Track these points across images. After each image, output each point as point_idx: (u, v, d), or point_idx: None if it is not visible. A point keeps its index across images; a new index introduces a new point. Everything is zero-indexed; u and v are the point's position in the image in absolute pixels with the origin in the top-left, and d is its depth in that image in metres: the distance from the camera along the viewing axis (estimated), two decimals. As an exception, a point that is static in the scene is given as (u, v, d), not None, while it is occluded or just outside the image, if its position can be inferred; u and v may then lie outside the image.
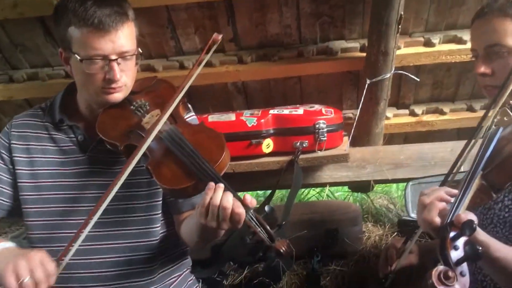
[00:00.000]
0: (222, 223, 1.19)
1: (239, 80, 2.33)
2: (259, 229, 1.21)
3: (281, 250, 1.20)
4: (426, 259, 1.63)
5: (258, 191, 3.16)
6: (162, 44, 2.23)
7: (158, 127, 1.35)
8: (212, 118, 2.11)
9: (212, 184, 1.22)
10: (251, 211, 1.22)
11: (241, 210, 1.18)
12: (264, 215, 1.24)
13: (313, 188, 2.93)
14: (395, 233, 2.19)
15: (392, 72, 2.07)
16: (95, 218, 1.28)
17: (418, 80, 2.17)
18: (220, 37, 1.47)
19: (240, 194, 1.24)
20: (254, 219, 1.22)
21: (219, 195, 1.19)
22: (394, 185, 3.10)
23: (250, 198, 1.22)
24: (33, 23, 2.15)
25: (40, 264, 1.17)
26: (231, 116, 2.10)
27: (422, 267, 1.63)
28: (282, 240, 1.22)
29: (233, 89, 2.43)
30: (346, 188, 2.98)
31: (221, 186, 1.21)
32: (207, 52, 1.46)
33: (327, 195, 2.87)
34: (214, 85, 2.38)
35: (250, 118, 2.07)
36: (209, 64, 2.28)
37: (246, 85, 2.41)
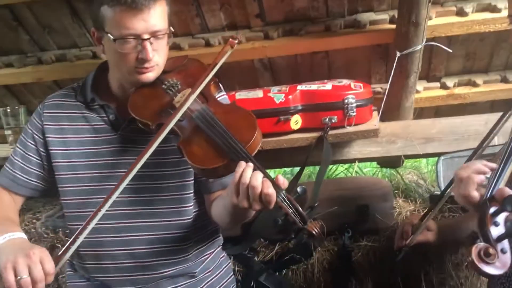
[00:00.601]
0: (253, 203, 1.19)
1: (266, 56, 2.30)
2: (291, 211, 1.21)
3: (314, 232, 1.19)
4: (446, 237, 1.63)
5: (285, 169, 3.15)
6: (188, 21, 2.21)
7: (188, 103, 1.35)
8: (240, 95, 2.09)
9: (242, 162, 1.21)
10: (283, 192, 1.21)
11: (271, 190, 1.17)
12: (296, 196, 1.24)
13: (341, 165, 2.91)
14: (427, 209, 2.15)
15: (424, 43, 2.01)
16: (112, 198, 1.30)
17: (451, 51, 2.10)
18: (236, 42, 1.45)
19: (269, 171, 1.23)
20: (286, 200, 1.21)
21: (248, 174, 1.18)
22: (424, 160, 3.06)
23: (282, 179, 1.22)
24: (60, 4, 2.15)
25: (40, 262, 1.19)
26: (259, 93, 2.08)
27: (440, 245, 1.63)
28: (314, 221, 1.21)
29: (259, 66, 2.40)
30: (374, 164, 2.94)
31: (251, 165, 1.21)
32: (219, 60, 1.44)
33: (355, 171, 2.85)
34: (240, 62, 2.35)
35: (277, 95, 2.05)
36: (235, 41, 2.26)
37: (272, 61, 2.37)
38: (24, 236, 1.36)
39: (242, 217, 1.39)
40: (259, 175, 1.18)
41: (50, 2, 2.14)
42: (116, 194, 1.30)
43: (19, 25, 2.26)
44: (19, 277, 1.16)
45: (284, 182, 1.21)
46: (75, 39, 2.33)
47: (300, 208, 1.21)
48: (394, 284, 1.84)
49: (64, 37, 2.33)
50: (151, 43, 1.35)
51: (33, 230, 2.29)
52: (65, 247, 1.26)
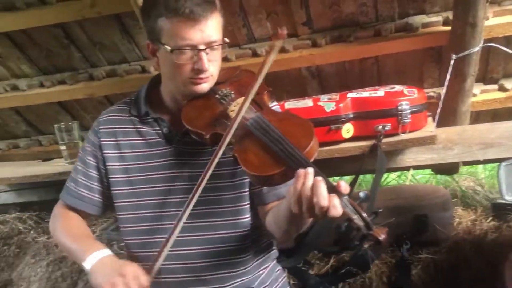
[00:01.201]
0: (319, 216, 1.13)
1: (314, 64, 2.27)
2: (355, 216, 1.16)
3: (380, 238, 1.12)
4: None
5: (335, 177, 3.08)
6: (234, 32, 2.21)
7: (244, 108, 1.32)
8: (289, 104, 2.06)
9: (301, 170, 1.16)
10: (346, 197, 1.16)
11: (337, 202, 1.10)
12: (359, 201, 1.18)
13: (391, 172, 2.82)
14: (490, 218, 2.05)
15: (481, 45, 1.92)
16: (182, 221, 1.31)
17: (511, 52, 2.00)
18: (285, 32, 1.39)
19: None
20: (350, 205, 1.16)
21: (309, 184, 1.12)
22: (481, 166, 2.92)
23: (344, 184, 1.16)
24: (110, 21, 2.21)
25: (134, 278, 1.25)
26: (308, 102, 2.04)
27: None
28: (380, 227, 1.15)
29: (307, 74, 2.37)
30: (427, 170, 2.83)
31: (310, 171, 1.15)
32: (271, 50, 1.40)
33: (410, 179, 2.76)
34: (288, 71, 2.34)
35: (328, 103, 2.00)
36: (282, 50, 2.24)
37: (320, 69, 2.34)
38: (109, 252, 1.38)
39: (301, 226, 1.33)
40: (322, 185, 1.11)
41: (100, 19, 2.19)
42: (185, 217, 1.31)
43: (71, 43, 2.32)
44: None
45: (346, 187, 1.16)
46: (125, 54, 2.37)
47: (364, 214, 1.16)
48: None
49: (114, 53, 2.38)
50: (207, 54, 1.35)
51: (88, 244, 2.32)
52: (155, 258, 1.33)
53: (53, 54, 2.40)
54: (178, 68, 1.37)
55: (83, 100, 2.57)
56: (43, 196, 2.70)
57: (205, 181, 1.29)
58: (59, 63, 2.46)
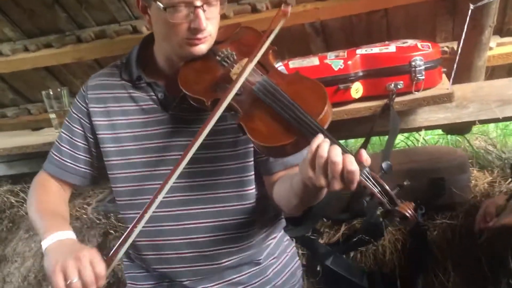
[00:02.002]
0: (333, 181, 1.02)
1: (318, 19, 2.10)
2: (377, 190, 1.04)
3: (407, 214, 1.01)
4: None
5: (340, 141, 2.96)
6: (233, -14, 2.04)
7: (246, 73, 1.20)
8: (293, 64, 1.91)
9: (320, 135, 1.05)
10: (367, 169, 1.04)
11: (354, 167, 1.00)
12: (381, 173, 1.06)
13: (400, 134, 2.70)
14: (510, 180, 1.94)
15: (501, -7, 1.77)
16: (168, 185, 1.16)
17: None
18: (289, 8, 1.30)
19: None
20: (371, 178, 1.04)
21: (326, 147, 1.02)
22: (492, 124, 2.80)
23: (366, 154, 1.04)
24: (96, -25, 2.02)
25: (90, 264, 1.10)
26: (314, 60, 1.89)
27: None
28: (406, 202, 1.03)
29: (311, 31, 2.21)
30: (437, 130, 2.71)
31: (327, 140, 1.04)
32: (273, 28, 1.29)
33: (416, 139, 2.64)
34: (290, 27, 2.17)
35: (335, 61, 1.85)
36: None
37: (325, 24, 2.18)
38: (73, 235, 1.25)
39: (313, 199, 1.22)
40: (338, 149, 1.01)
41: (85, -26, 2.01)
42: (172, 180, 1.17)
43: (55, 2, 2.14)
44: (69, 281, 1.07)
45: (367, 158, 1.05)
46: (114, 13, 2.20)
47: (388, 187, 1.05)
48: (477, 266, 1.65)
49: (102, 12, 2.20)
50: (204, 11, 1.21)
51: (84, 216, 2.23)
52: (117, 244, 1.14)
53: (37, 15, 2.22)
54: (173, 28, 1.23)
55: (72, 65, 2.41)
56: (35, 167, 2.57)
57: (194, 148, 1.16)
58: (44, 24, 2.28)
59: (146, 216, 1.15)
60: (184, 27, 1.22)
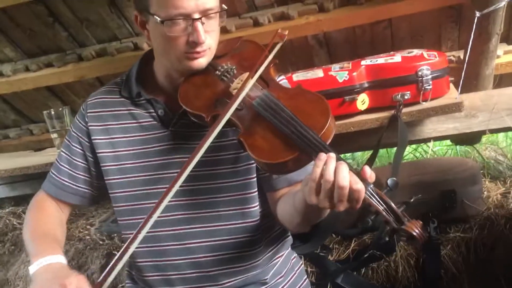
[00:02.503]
0: (338, 204, 0.98)
1: (321, 31, 2.09)
2: (383, 207, 0.99)
3: (414, 234, 0.96)
4: None
5: (346, 154, 2.91)
6: (233, 0, 2.02)
7: (247, 88, 1.17)
8: (297, 76, 1.88)
9: (323, 154, 1.00)
10: (372, 186, 1.00)
11: (360, 186, 0.96)
12: (387, 191, 1.02)
13: (408, 145, 2.65)
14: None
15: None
16: (165, 201, 1.11)
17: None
18: (286, 33, 1.30)
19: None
20: (376, 195, 1.00)
21: (332, 168, 0.97)
22: (501, 134, 2.74)
23: (370, 171, 1.00)
24: (96, -7, 2.02)
25: None
26: (318, 73, 1.86)
27: None
28: (413, 220, 0.98)
29: (314, 43, 2.19)
30: (446, 141, 2.66)
31: (333, 156, 1.00)
32: (270, 51, 1.27)
33: (425, 151, 2.58)
34: (292, 40, 2.15)
35: (340, 73, 1.82)
36: (286, 17, 2.06)
37: (328, 36, 2.16)
38: (63, 259, 1.21)
39: (316, 217, 1.19)
40: (345, 169, 0.97)
41: (85, -8, 2.01)
42: (168, 198, 1.11)
43: (55, 20, 2.15)
44: None
45: (371, 175, 1.00)
46: (115, 31, 2.20)
47: (393, 205, 1.00)
48: (494, 280, 1.59)
49: (103, 30, 2.21)
50: (202, 24, 1.18)
51: (87, 237, 2.19)
52: (107, 268, 1.07)
53: (37, 35, 2.23)
54: (171, 42, 1.20)
55: (73, 83, 2.41)
56: (37, 188, 2.47)
57: (192, 165, 1.12)
58: (44, 44, 2.29)
59: (140, 236, 1.09)
60: (182, 40, 1.19)
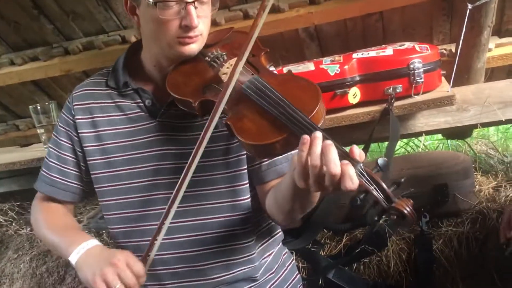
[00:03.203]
0: (330, 187, 0.95)
1: (312, 24, 2.06)
2: (373, 187, 0.96)
3: (405, 211, 0.93)
4: None
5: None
6: (223, -9, 1.99)
7: (237, 72, 1.13)
8: (288, 69, 1.85)
9: (306, 137, 0.96)
10: (361, 165, 0.97)
11: (350, 170, 0.92)
12: (377, 170, 0.99)
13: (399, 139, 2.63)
14: (516, 183, 1.88)
15: (500, -9, 1.72)
16: (176, 204, 1.15)
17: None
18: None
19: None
20: (366, 174, 0.97)
21: (318, 151, 0.94)
22: (492, 127, 2.74)
23: (359, 150, 0.97)
24: (82, -16, 1.98)
25: (128, 267, 1.13)
26: (309, 66, 1.83)
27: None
28: (403, 199, 0.96)
29: (304, 36, 2.16)
30: (437, 136, 2.66)
31: (318, 136, 0.96)
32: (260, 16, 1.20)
33: (416, 145, 2.57)
34: (283, 33, 2.12)
35: (331, 66, 1.79)
36: (276, 10, 2.03)
37: (319, 29, 2.13)
38: (97, 242, 1.24)
39: (307, 205, 1.16)
40: (333, 151, 0.93)
41: (71, -16, 1.96)
42: (179, 196, 1.15)
43: (40, 13, 2.10)
44: None
45: (361, 154, 0.97)
46: (102, 23, 2.15)
47: (384, 184, 0.97)
48: (487, 276, 1.58)
49: (90, 23, 2.17)
50: (195, 8, 1.16)
51: (75, 233, 2.14)
52: (151, 240, 1.18)
53: (22, 27, 2.18)
54: (163, 25, 1.18)
55: (60, 77, 2.37)
56: (24, 184, 2.49)
57: (198, 156, 1.11)
58: (30, 37, 2.24)
59: (164, 227, 1.17)
60: (175, 24, 1.17)
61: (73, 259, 1.19)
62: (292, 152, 1.07)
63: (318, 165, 0.94)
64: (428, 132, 2.11)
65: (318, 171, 0.94)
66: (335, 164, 0.92)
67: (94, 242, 1.22)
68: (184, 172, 1.12)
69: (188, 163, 1.12)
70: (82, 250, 1.19)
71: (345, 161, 0.94)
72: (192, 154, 1.11)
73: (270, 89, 1.10)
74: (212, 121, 1.10)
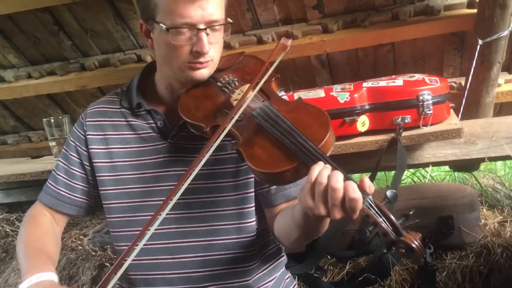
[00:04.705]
0: (333, 209, 0.96)
1: (324, 51, 2.09)
2: (381, 219, 0.98)
3: (413, 245, 0.94)
4: None
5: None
6: (238, 17, 2.04)
7: (249, 99, 1.16)
8: (299, 95, 1.88)
9: (320, 162, 1.00)
10: (370, 197, 0.98)
11: (356, 194, 0.94)
12: (385, 202, 1.00)
13: (407, 170, 2.64)
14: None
15: (511, 28, 1.74)
16: (163, 214, 1.10)
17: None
18: (289, 42, 1.29)
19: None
20: (375, 206, 0.98)
21: (326, 172, 0.97)
22: (499, 162, 2.74)
23: (369, 181, 0.99)
24: (102, 5, 2.04)
25: None
26: (320, 92, 1.86)
27: None
28: (412, 232, 0.97)
29: (316, 63, 2.19)
30: (444, 167, 2.66)
31: (328, 166, 0.99)
32: (272, 61, 1.27)
33: (423, 176, 2.58)
34: (295, 59, 2.16)
35: (341, 93, 1.82)
36: (290, 37, 2.06)
37: (331, 57, 2.17)
38: (54, 277, 1.19)
39: (314, 231, 1.17)
40: (340, 175, 0.96)
41: (91, 3, 2.02)
42: (166, 210, 1.10)
43: (60, 29, 2.16)
44: None
45: (370, 186, 0.99)
46: (119, 42, 2.20)
47: (392, 216, 0.98)
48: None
49: (108, 41, 2.22)
50: (207, 35, 1.19)
51: (80, 247, 2.16)
52: (103, 279, 1.06)
53: (42, 42, 2.24)
54: (175, 51, 1.20)
55: (75, 92, 2.41)
56: (32, 195, 2.52)
57: (196, 171, 1.11)
58: (48, 52, 2.29)
59: (136, 250, 1.07)
60: (186, 50, 1.20)
61: (22, 287, 1.16)
62: (303, 179, 1.08)
63: (323, 183, 0.96)
64: (435, 164, 2.12)
65: (323, 188, 0.96)
66: (337, 181, 0.94)
67: (49, 275, 1.18)
68: (178, 181, 1.12)
69: (184, 173, 1.11)
70: (35, 280, 1.15)
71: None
72: (190, 166, 1.11)
73: (281, 117, 1.12)
74: (213, 141, 1.12)
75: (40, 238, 1.33)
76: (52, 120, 2.17)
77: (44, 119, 2.18)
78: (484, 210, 2.00)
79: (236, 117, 1.15)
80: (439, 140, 1.79)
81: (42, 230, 1.36)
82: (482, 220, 1.89)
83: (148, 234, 1.08)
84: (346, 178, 0.97)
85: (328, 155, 1.06)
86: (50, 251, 1.31)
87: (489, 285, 1.61)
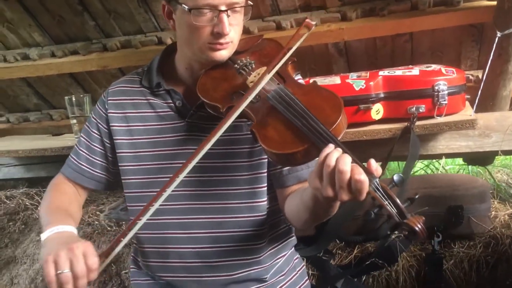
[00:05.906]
0: (340, 191, 0.99)
1: (342, 39, 2.11)
2: (387, 202, 1.01)
3: (416, 228, 0.97)
4: None
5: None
6: (257, 2, 2.07)
7: (263, 82, 1.19)
8: (314, 80, 1.90)
9: (331, 144, 1.03)
10: (377, 179, 1.01)
11: (362, 176, 0.96)
12: (392, 185, 1.03)
13: (420, 160, 2.65)
14: None
15: (530, 21, 1.74)
16: (172, 186, 1.15)
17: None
18: (313, 24, 1.31)
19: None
20: (381, 189, 1.01)
21: (335, 156, 0.99)
22: (514, 157, 2.73)
23: (376, 164, 1.01)
24: (126, -14, 2.07)
25: (82, 257, 1.08)
26: (336, 79, 1.88)
27: None
28: (416, 216, 0.99)
29: (334, 51, 2.21)
30: (458, 160, 2.66)
31: (339, 149, 1.02)
32: (296, 40, 1.30)
33: (436, 168, 2.58)
34: (313, 46, 2.18)
35: (357, 81, 1.83)
36: (308, 23, 2.09)
37: (348, 45, 2.18)
38: (74, 230, 1.24)
39: (323, 213, 1.19)
40: (347, 158, 0.98)
41: (116, -16, 2.06)
42: (182, 175, 1.16)
43: (84, 10, 2.20)
44: (59, 271, 1.05)
45: (377, 168, 1.01)
46: (141, 24, 2.24)
47: (398, 200, 1.01)
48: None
49: (130, 23, 2.26)
50: (228, 16, 1.21)
51: (96, 222, 2.23)
52: (115, 238, 1.13)
53: (66, 22, 2.29)
54: (196, 31, 1.23)
55: (96, 72, 2.47)
56: (52, 171, 2.58)
57: (206, 149, 1.15)
58: (72, 31, 2.35)
59: (150, 211, 1.14)
60: (207, 30, 1.23)
61: (43, 236, 1.19)
62: (314, 161, 1.11)
63: (331, 165, 0.98)
64: (449, 155, 2.13)
65: (330, 170, 0.98)
66: (344, 163, 0.97)
67: (69, 228, 1.22)
68: (188, 159, 1.16)
69: (195, 151, 1.16)
70: (55, 230, 1.19)
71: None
72: (201, 144, 1.16)
73: (295, 100, 1.15)
74: (226, 121, 1.15)
75: (63, 200, 1.40)
76: (74, 99, 2.22)
77: (66, 97, 2.24)
78: (496, 203, 2.00)
79: (250, 98, 1.18)
80: (452, 130, 1.79)
81: (66, 195, 1.43)
82: (493, 212, 1.89)
83: (164, 196, 1.14)
84: (355, 162, 0.99)
85: (339, 138, 1.09)
86: (72, 211, 1.37)
87: (496, 275, 1.63)
